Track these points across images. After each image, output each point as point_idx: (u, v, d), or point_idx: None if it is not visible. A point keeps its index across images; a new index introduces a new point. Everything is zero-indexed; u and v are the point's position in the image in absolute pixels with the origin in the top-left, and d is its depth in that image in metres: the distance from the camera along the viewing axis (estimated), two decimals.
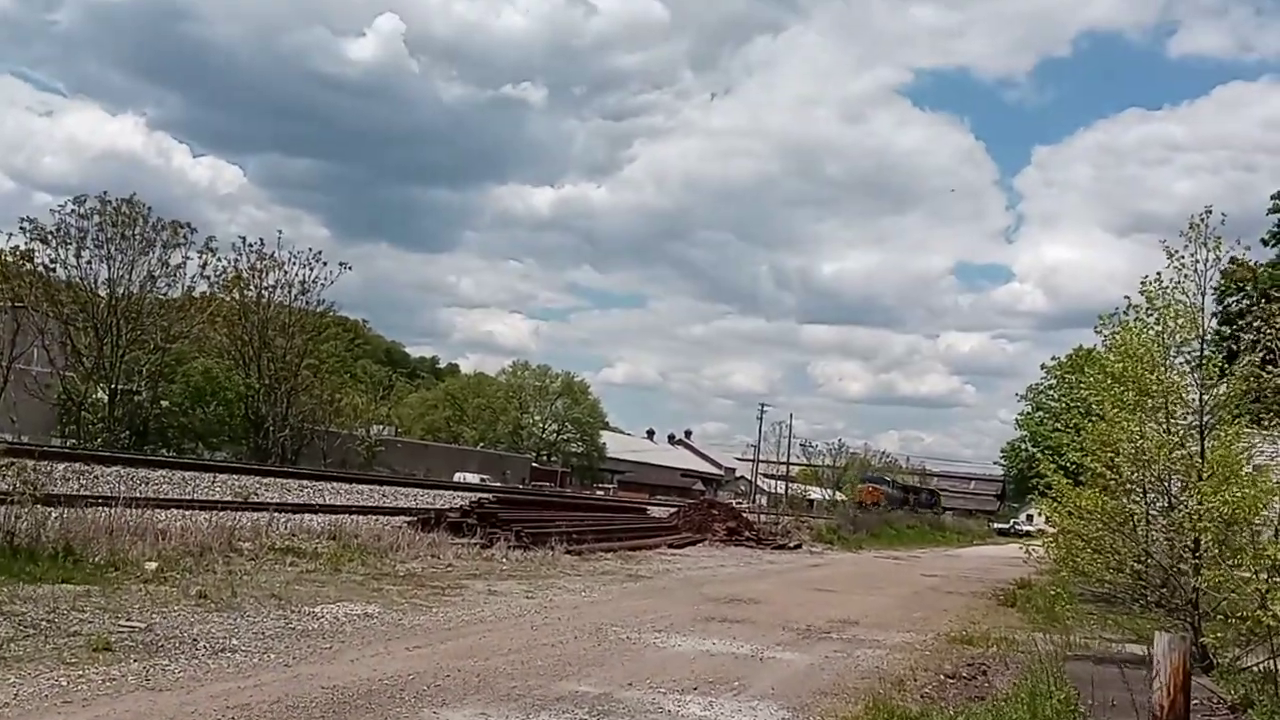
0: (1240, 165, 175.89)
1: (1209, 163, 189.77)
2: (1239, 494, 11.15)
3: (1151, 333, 14.98)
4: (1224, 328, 12.81)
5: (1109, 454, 17.82)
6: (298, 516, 20.34)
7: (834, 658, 11.74)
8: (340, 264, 49.24)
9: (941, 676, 10.87)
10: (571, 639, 11.40)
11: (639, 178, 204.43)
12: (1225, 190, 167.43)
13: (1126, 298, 15.36)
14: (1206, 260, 12.13)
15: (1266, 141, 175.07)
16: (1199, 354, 12.02)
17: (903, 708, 8.47)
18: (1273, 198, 60.96)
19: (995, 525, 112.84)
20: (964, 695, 9.75)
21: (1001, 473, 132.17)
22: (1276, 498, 11.19)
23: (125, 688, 7.44)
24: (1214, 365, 11.90)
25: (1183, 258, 12.25)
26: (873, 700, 8.99)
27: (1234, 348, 11.96)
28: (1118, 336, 14.56)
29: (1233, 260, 12.39)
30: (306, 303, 48.51)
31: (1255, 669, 10.62)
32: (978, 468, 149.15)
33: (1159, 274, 14.38)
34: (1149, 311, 14.93)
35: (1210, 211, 12.07)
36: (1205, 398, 11.68)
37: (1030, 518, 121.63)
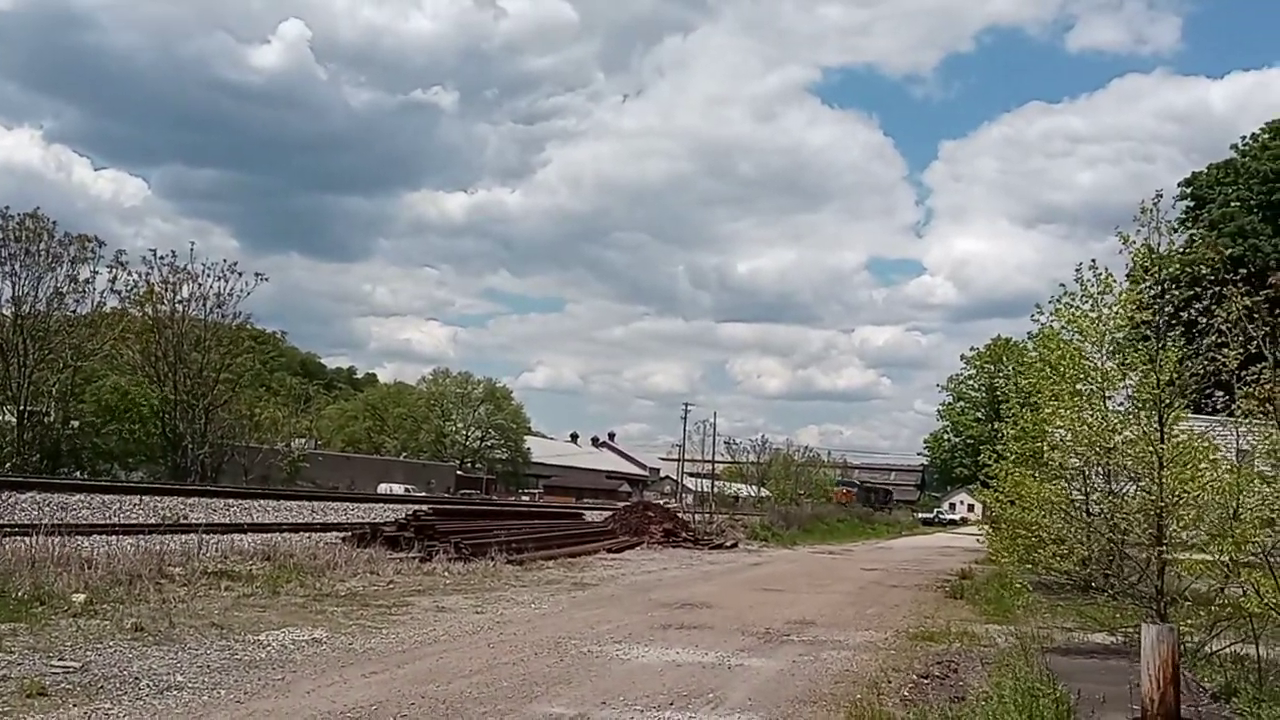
0: (1139, 156, 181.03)
1: (1109, 154, 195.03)
2: (1213, 478, 11.10)
3: (1091, 319, 15.05)
4: (1140, 313, 12.94)
5: (1050, 442, 17.95)
6: (228, 537, 19.56)
7: (801, 662, 11.46)
8: (256, 275, 47.99)
9: (915, 677, 10.63)
10: (532, 656, 10.96)
11: (553, 181, 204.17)
12: (1125, 180, 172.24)
13: (1061, 285, 15.42)
14: (1158, 245, 12.08)
15: (1162, 132, 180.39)
16: (1156, 338, 11.94)
17: (887, 713, 8.20)
18: (1180, 184, 62.75)
19: (919, 515, 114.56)
20: (943, 696, 9.52)
21: (921, 463, 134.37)
22: (1253, 483, 11.14)
23: None
24: (1174, 349, 11.80)
25: (1135, 244, 12.19)
26: (854, 707, 8.74)
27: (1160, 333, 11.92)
28: (1068, 323, 14.52)
29: (1143, 245, 12.40)
30: (222, 316, 47.21)
31: (1223, 654, 10.60)
32: (896, 459, 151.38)
33: (1093, 261, 14.43)
34: (1084, 298, 15.00)
35: (1160, 196, 12.03)
36: (1161, 379, 11.59)
37: (953, 506, 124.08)
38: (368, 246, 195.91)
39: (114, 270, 43.51)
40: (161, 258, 45.93)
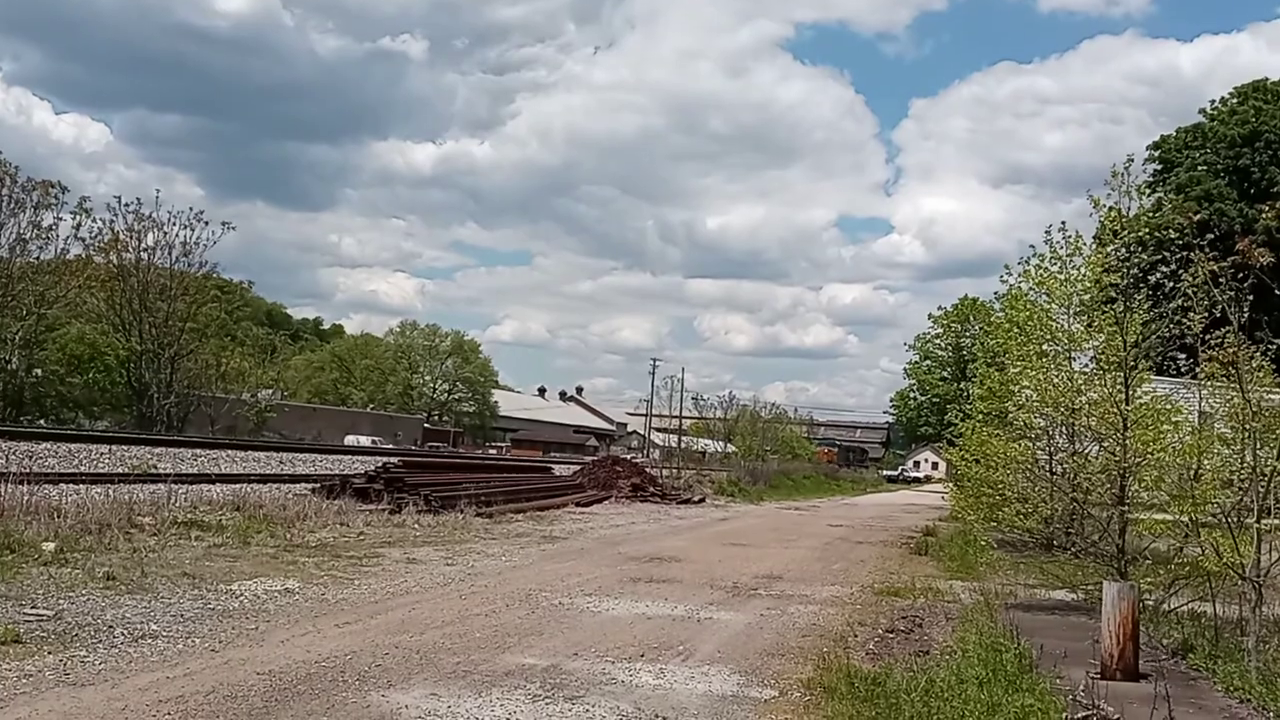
0: (1107, 118, 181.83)
1: (1078, 115, 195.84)
2: (1175, 440, 11.32)
3: (1059, 280, 15.23)
4: (1107, 276, 13.10)
5: (1016, 401, 18.18)
6: (196, 487, 19.58)
7: (769, 615, 11.63)
8: (223, 224, 47.52)
9: (880, 631, 10.83)
10: (504, 607, 11.07)
11: (522, 133, 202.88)
12: (1093, 142, 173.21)
13: (1031, 247, 15.59)
14: (1127, 209, 12.21)
15: (1131, 95, 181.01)
16: (1123, 301, 12.10)
17: (854, 666, 8.35)
18: (1149, 148, 63.09)
19: (884, 472, 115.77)
20: (908, 650, 9.71)
21: (886, 421, 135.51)
22: (1214, 445, 11.37)
23: (44, 684, 6.89)
24: (1140, 312, 11.97)
25: (1104, 207, 12.31)
26: (821, 660, 8.90)
27: (1126, 295, 12.11)
28: (1037, 285, 14.69)
29: (1111, 209, 12.56)
30: (187, 265, 46.77)
31: (1181, 611, 10.86)
32: (862, 416, 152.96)
33: (1063, 223, 14.58)
34: (1053, 260, 15.17)
35: (1131, 160, 12.14)
36: (1127, 341, 11.76)
37: (917, 464, 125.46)
38: (334, 196, 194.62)
39: (78, 217, 42.88)
40: (126, 205, 45.41)
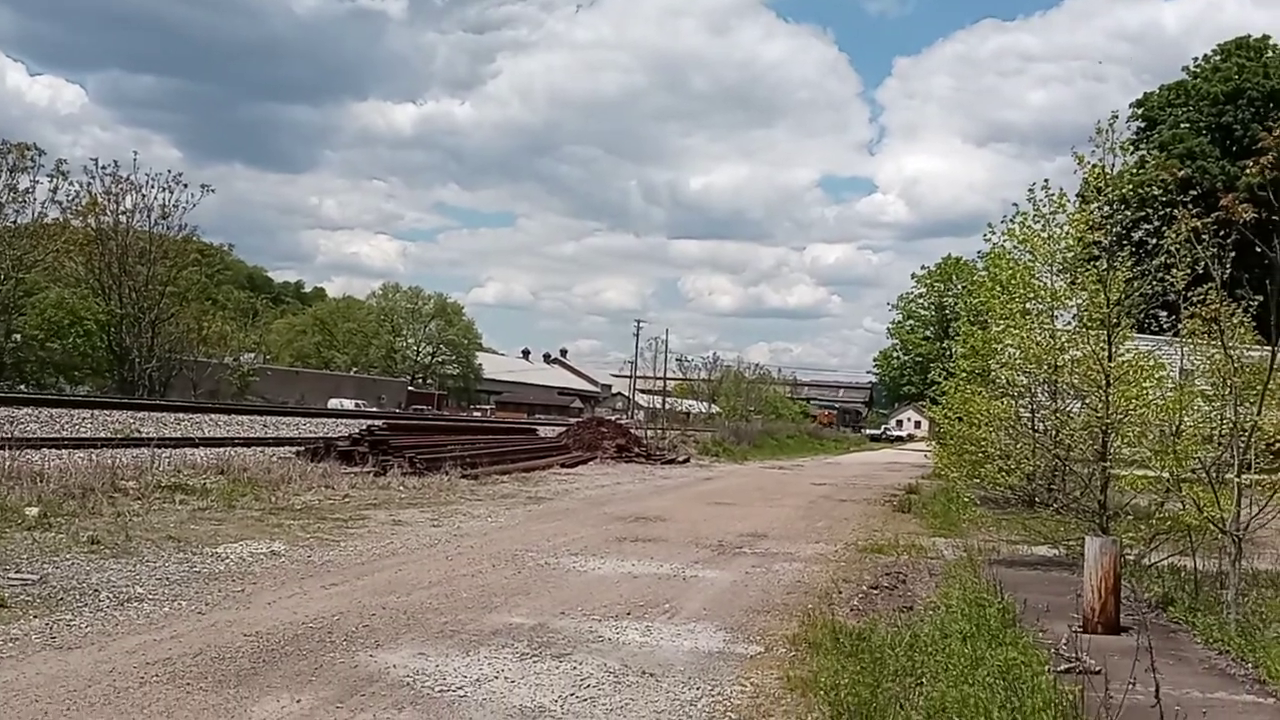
0: (1090, 75, 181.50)
1: (1061, 73, 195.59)
2: (1157, 397, 11.39)
3: (1043, 238, 15.23)
4: (1091, 233, 13.10)
5: (999, 359, 18.24)
6: (180, 451, 19.53)
7: (754, 573, 11.70)
8: (202, 186, 47.08)
9: (864, 588, 10.91)
10: (490, 568, 11.10)
11: (504, 93, 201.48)
12: (1077, 100, 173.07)
13: (1014, 205, 15.59)
14: (1111, 166, 12.19)
15: (1115, 52, 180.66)
16: (1107, 258, 12.12)
17: (839, 622, 8.41)
18: (1132, 105, 63.09)
19: (867, 431, 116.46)
20: (892, 606, 9.78)
21: (870, 380, 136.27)
22: (1195, 401, 11.44)
23: (30, 648, 6.89)
24: (1123, 270, 11.99)
25: (1089, 164, 12.29)
26: (806, 616, 8.96)
27: (1109, 253, 12.15)
28: (1020, 243, 14.69)
29: (1095, 166, 12.56)
30: (167, 228, 46.30)
31: (1161, 565, 10.97)
32: (845, 376, 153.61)
33: (1046, 181, 14.57)
34: (1036, 218, 15.16)
35: (1116, 117, 12.12)
36: (1110, 299, 11.79)
37: (900, 423, 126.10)
38: (314, 158, 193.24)
39: (54, 180, 42.37)
40: (103, 167, 44.83)
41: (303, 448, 22.78)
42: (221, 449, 20.73)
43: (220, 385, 51.48)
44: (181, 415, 28.85)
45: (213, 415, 30.54)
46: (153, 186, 45.38)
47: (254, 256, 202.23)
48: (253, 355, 63.64)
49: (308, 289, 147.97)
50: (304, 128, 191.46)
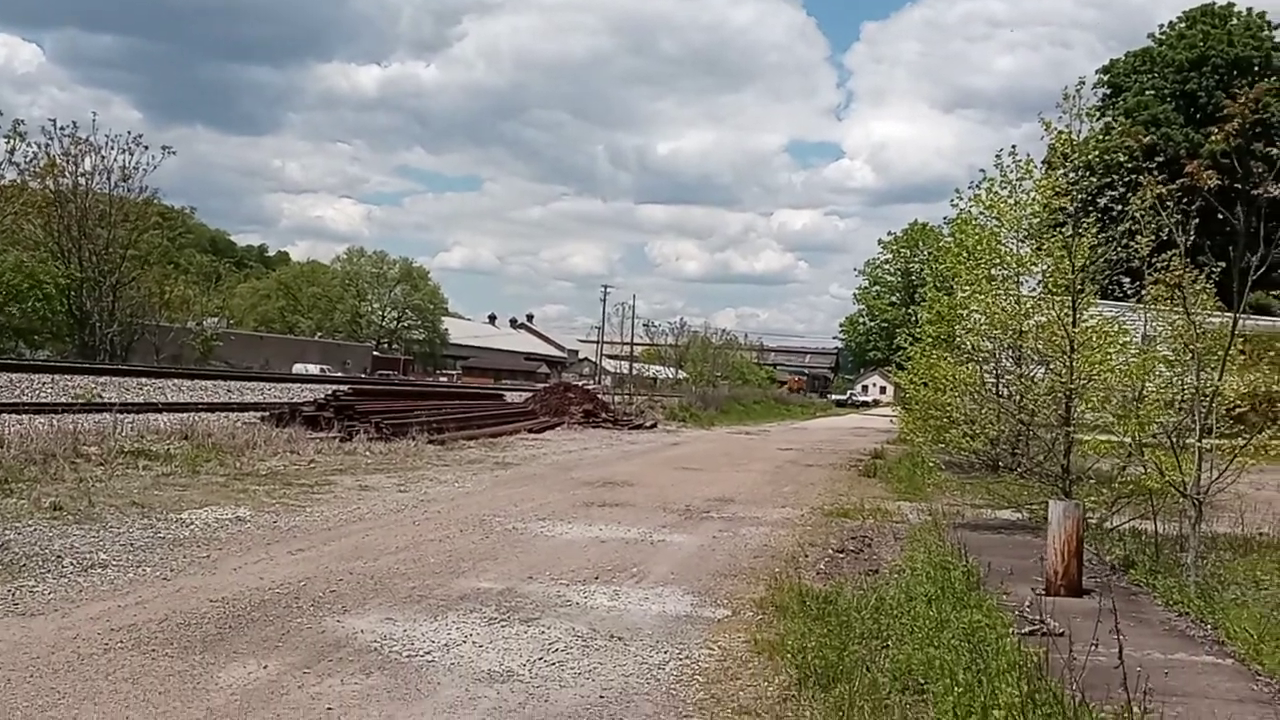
0: (1058, 42, 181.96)
1: (1028, 39, 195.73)
2: (1120, 362, 11.49)
3: (1009, 204, 15.29)
4: (1057, 200, 13.16)
5: (964, 325, 18.36)
6: (143, 416, 19.35)
7: (721, 537, 11.76)
8: (163, 148, 46.36)
9: (830, 551, 10.98)
10: (458, 533, 11.09)
11: (470, 55, 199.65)
12: (1044, 66, 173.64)
13: (981, 171, 15.63)
14: (1077, 132, 12.23)
15: (1082, 18, 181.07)
16: (1072, 225, 12.18)
17: (805, 586, 8.46)
18: (1098, 72, 63.32)
19: (833, 397, 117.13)
20: (858, 569, 9.86)
21: (836, 346, 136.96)
22: (1160, 365, 11.55)
23: None
24: (1088, 236, 12.06)
25: (1055, 130, 12.32)
26: (773, 580, 9.02)
27: (1075, 219, 12.22)
28: (987, 209, 14.74)
29: (1061, 133, 12.60)
30: (127, 190, 45.61)
31: (1123, 529, 11.11)
32: (811, 342, 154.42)
33: (1013, 147, 14.62)
34: (1003, 184, 15.22)
35: (1083, 82, 12.14)
36: (1075, 265, 11.85)
37: (866, 388, 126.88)
38: (277, 120, 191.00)
39: (11, 141, 41.60)
40: (62, 128, 44.03)
41: (268, 413, 22.63)
42: (185, 414, 20.56)
43: (183, 350, 50.99)
44: (144, 380, 28.55)
45: (176, 380, 30.26)
46: (112, 148, 44.66)
47: (216, 220, 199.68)
48: (216, 320, 63.03)
49: (271, 253, 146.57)
50: (266, 89, 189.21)
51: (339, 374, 61.99)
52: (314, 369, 63.66)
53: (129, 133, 45.38)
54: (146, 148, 45.34)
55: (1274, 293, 56.79)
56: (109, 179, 44.84)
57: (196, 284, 63.80)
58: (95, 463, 14.22)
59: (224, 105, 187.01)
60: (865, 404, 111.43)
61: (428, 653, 6.42)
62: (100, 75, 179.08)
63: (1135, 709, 4.54)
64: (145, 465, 14.61)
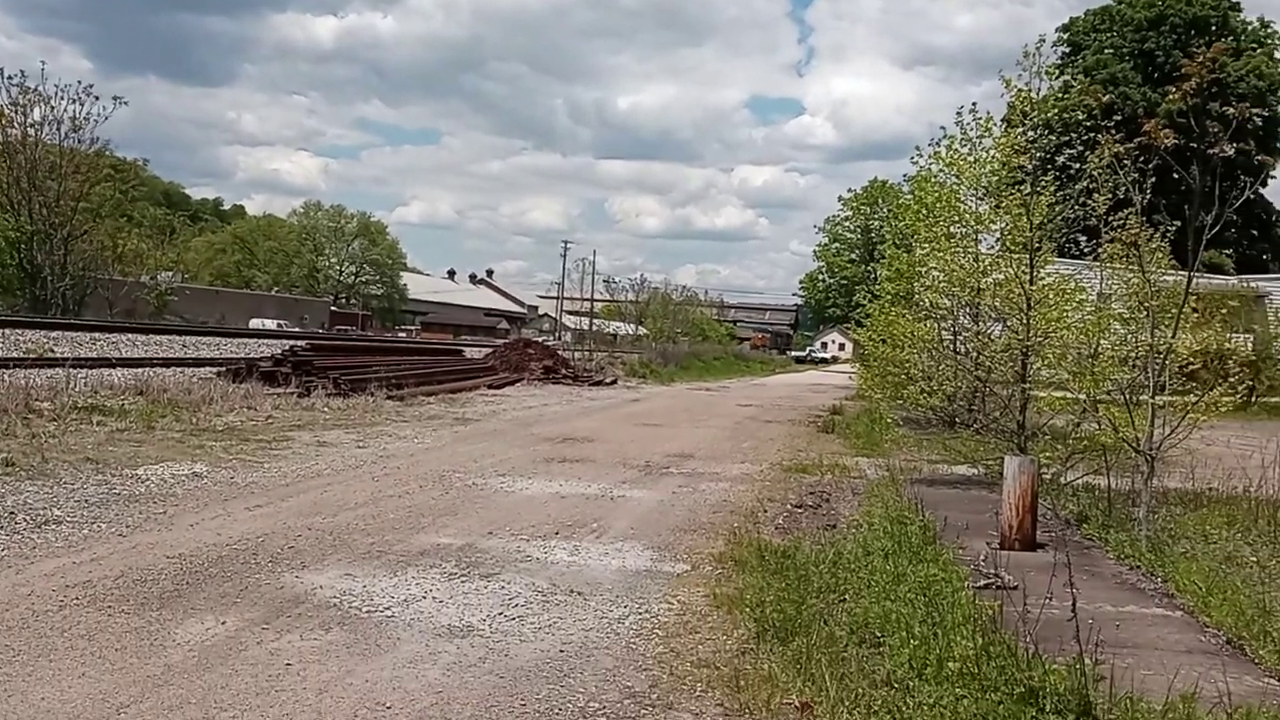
0: None
1: None
2: (1076, 319, 11.61)
3: (969, 162, 15.35)
4: (1016, 158, 13.26)
5: (922, 282, 18.48)
6: (96, 371, 19.09)
7: (681, 493, 11.81)
8: (115, 99, 45.46)
9: (789, 507, 11.06)
10: (417, 489, 11.07)
11: (427, 6, 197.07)
12: (1004, 23, 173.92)
13: (941, 128, 15.66)
14: (1037, 90, 12.25)
15: None
16: (1031, 182, 12.24)
17: (764, 541, 8.53)
18: (1058, 30, 63.50)
19: (793, 353, 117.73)
20: (816, 524, 9.95)
21: (796, 303, 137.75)
22: (1114, 322, 11.68)
23: None
24: (1046, 194, 12.14)
25: (1015, 88, 12.33)
26: (732, 535, 9.08)
27: (1033, 177, 12.29)
28: (947, 166, 14.78)
29: (1017, 92, 12.65)
30: (78, 141, 44.72)
31: (1077, 484, 11.28)
32: (772, 299, 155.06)
33: (974, 104, 14.65)
34: (963, 142, 15.27)
35: (1043, 40, 12.15)
36: (1033, 223, 11.93)
37: (825, 345, 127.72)
38: (232, 71, 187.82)
39: None
40: (9, 78, 43.06)
41: (224, 368, 22.42)
42: (140, 369, 20.30)
43: (137, 304, 50.35)
44: (97, 335, 28.15)
45: (130, 335, 29.85)
46: (62, 98, 43.69)
47: (171, 172, 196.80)
48: (171, 274, 62.19)
49: (227, 206, 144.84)
50: (220, 39, 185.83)
51: (296, 329, 61.44)
52: (271, 324, 63.11)
53: (79, 83, 44.35)
54: (97, 98, 44.46)
55: (1227, 251, 57.53)
56: (59, 130, 43.94)
57: (150, 238, 62.77)
58: (48, 418, 14.03)
59: (177, 56, 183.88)
60: (824, 360, 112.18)
61: (387, 608, 6.42)
62: (49, 24, 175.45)
63: (1087, 660, 4.62)
64: (99, 421, 14.44)
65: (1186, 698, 4.47)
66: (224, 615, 6.11)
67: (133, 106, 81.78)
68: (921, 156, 16.71)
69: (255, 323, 62.92)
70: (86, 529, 8.24)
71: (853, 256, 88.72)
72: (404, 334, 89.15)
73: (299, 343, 27.27)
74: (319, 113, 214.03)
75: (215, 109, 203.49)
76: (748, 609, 6.46)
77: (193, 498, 9.86)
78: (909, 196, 22.08)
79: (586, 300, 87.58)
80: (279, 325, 63.15)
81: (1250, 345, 32.76)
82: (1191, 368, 10.09)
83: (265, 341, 34.00)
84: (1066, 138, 12.26)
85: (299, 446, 13.99)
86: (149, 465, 11.40)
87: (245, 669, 5.24)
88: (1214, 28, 58.05)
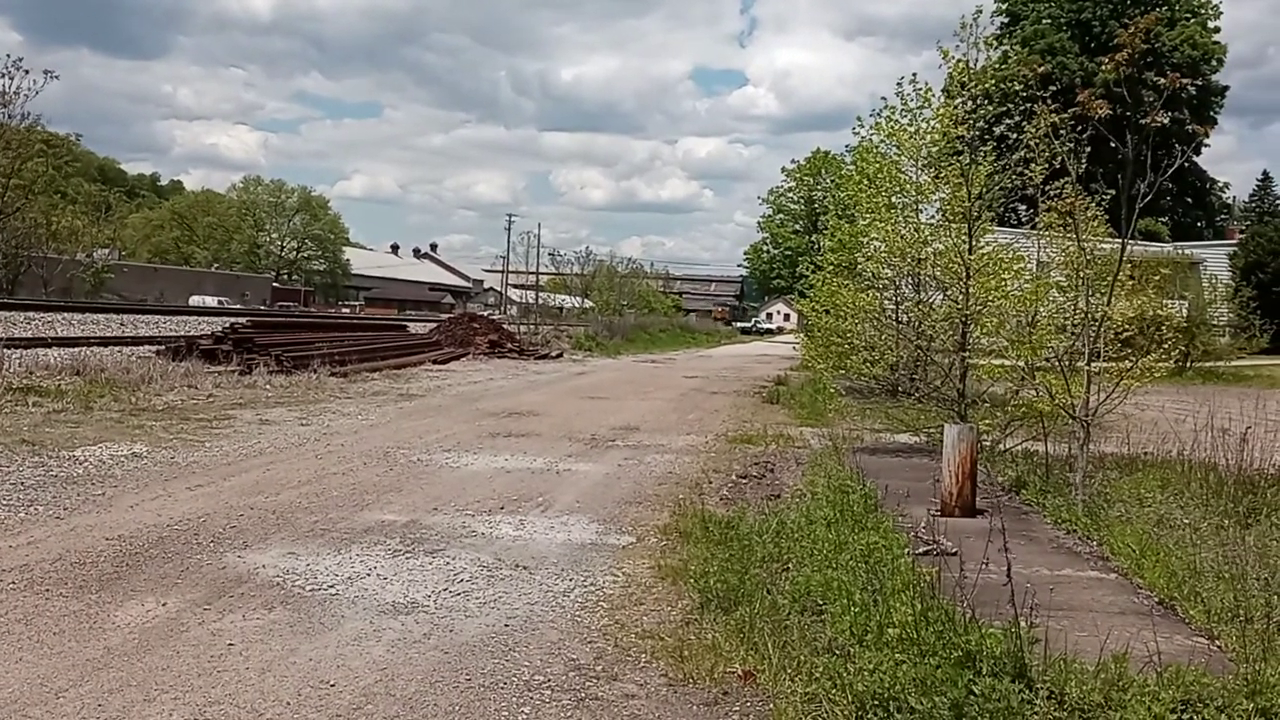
0: None
1: None
2: (1015, 288, 11.76)
3: (909, 133, 15.44)
4: (956, 129, 13.38)
5: (865, 253, 18.60)
6: (31, 351, 18.76)
7: (626, 465, 11.85)
8: (45, 72, 44.43)
9: (734, 477, 11.13)
10: (361, 466, 11.01)
11: None
12: None
13: (883, 99, 15.73)
14: (975, 61, 12.34)
15: None
16: (970, 153, 12.35)
17: (709, 511, 8.58)
18: (996, 0, 63.90)
19: (738, 325, 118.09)
20: (760, 494, 10.03)
21: (740, 274, 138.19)
22: (1052, 290, 11.85)
23: None
24: (985, 164, 12.25)
25: (953, 59, 12.41)
26: (678, 506, 9.13)
27: (972, 148, 12.41)
28: (888, 137, 14.85)
29: (959, 61, 12.75)
30: (7, 117, 43.67)
31: (1016, 451, 11.46)
32: (717, 270, 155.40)
33: (914, 75, 14.73)
34: (903, 113, 15.35)
35: (980, 11, 12.23)
36: (972, 193, 12.05)
37: (770, 316, 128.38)
38: (166, 43, 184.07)
39: None
40: None
41: (163, 347, 22.09)
42: (76, 349, 19.98)
43: (73, 282, 49.49)
44: (32, 314, 27.65)
45: (66, 314, 29.34)
46: None
47: (105, 148, 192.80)
48: (107, 251, 61.20)
49: (164, 182, 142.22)
50: (154, 10, 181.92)
51: (238, 306, 60.71)
52: (211, 301, 62.31)
53: (8, 56, 43.31)
54: (27, 72, 43.30)
55: (1163, 219, 58.49)
56: None
57: (85, 214, 61.78)
58: None
59: (109, 27, 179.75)
60: (769, 331, 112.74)
61: (331, 586, 6.39)
62: None
63: (1023, 623, 4.71)
64: (35, 402, 14.19)
65: (1119, 658, 4.56)
66: (165, 596, 6.05)
67: (64, 80, 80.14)
68: (863, 127, 16.74)
69: (195, 300, 62.04)
70: (23, 512, 8.11)
71: (796, 227, 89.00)
72: (347, 310, 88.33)
73: (240, 320, 26.91)
74: (257, 86, 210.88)
75: (150, 82, 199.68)
76: (692, 580, 6.51)
77: (132, 478, 9.73)
78: (851, 167, 22.18)
79: (532, 274, 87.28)
80: (220, 302, 62.36)
81: (1184, 312, 33.41)
82: (1127, 334, 10.26)
83: (205, 319, 33.54)
84: (1004, 108, 12.39)
85: (241, 425, 13.84)
86: (87, 446, 11.23)
87: (187, 650, 5.20)
88: None
